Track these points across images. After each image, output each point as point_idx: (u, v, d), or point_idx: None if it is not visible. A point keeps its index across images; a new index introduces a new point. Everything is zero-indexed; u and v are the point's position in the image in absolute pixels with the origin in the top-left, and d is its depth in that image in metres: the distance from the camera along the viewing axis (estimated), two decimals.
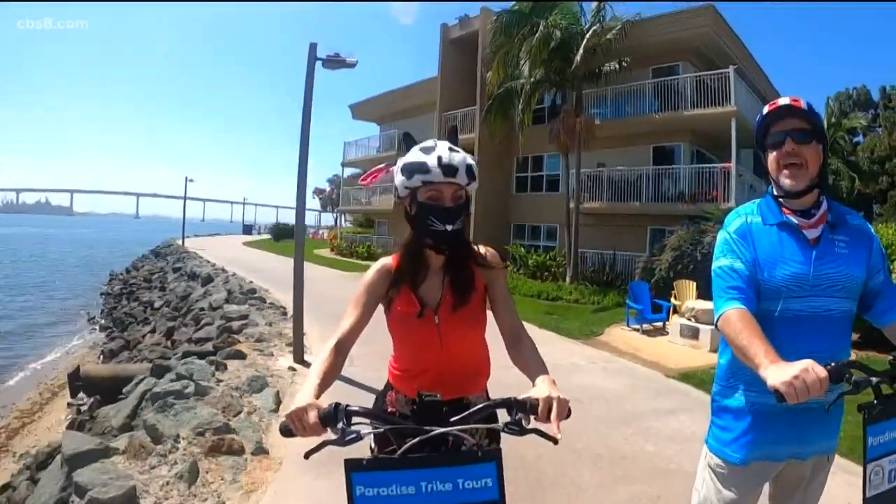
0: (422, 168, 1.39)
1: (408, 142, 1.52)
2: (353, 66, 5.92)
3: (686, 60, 14.83)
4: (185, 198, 27.27)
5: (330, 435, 1.11)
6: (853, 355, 1.47)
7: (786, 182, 1.48)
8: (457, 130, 1.62)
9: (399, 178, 1.43)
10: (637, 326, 8.47)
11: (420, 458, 1.12)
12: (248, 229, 54.34)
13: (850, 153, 25.04)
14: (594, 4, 13.53)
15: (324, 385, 1.24)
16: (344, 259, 22.89)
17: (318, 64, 6.05)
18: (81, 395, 7.92)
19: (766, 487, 1.64)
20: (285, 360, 5.73)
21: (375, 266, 1.54)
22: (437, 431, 1.13)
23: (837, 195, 19.34)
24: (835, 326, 1.47)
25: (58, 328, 14.73)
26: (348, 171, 29.62)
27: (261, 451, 3.31)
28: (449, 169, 1.38)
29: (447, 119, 19.30)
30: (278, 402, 4.30)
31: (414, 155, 1.43)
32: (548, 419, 1.15)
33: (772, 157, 1.52)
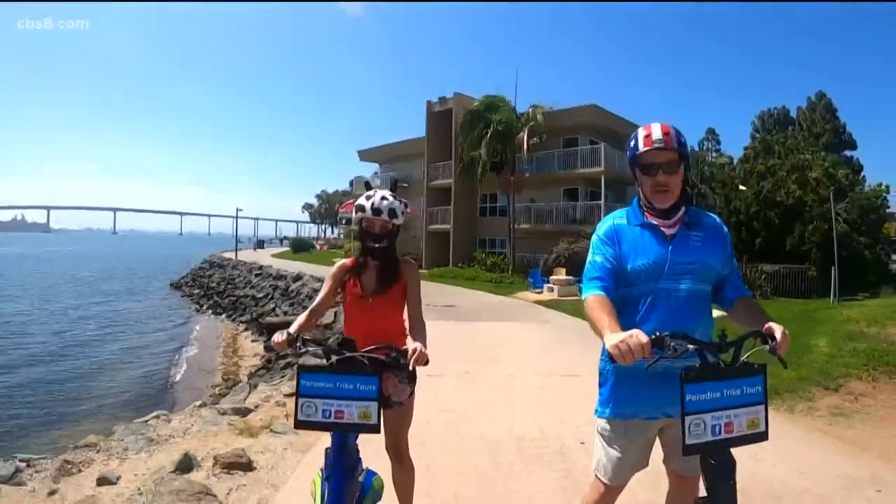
0: (361, 209, 2.24)
1: (367, 188, 2.36)
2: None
3: (584, 134, 23.67)
4: (236, 217, 34.52)
5: (291, 351, 2.05)
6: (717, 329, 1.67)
7: (657, 203, 1.81)
8: (397, 183, 2.59)
9: (353, 213, 2.32)
10: (533, 291, 17.47)
11: (335, 366, 1.88)
12: (260, 244, 58.44)
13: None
14: (528, 109, 22.73)
15: (301, 329, 2.13)
16: None
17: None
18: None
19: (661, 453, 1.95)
20: None
21: (338, 264, 2.42)
22: (346, 355, 1.91)
23: (708, 207, 28.10)
24: (688, 304, 1.77)
25: (176, 321, 20.32)
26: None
27: None
28: (376, 211, 2.21)
29: (432, 168, 28.02)
30: None
31: (360, 200, 2.27)
32: (409, 360, 1.94)
33: (644, 179, 1.81)
